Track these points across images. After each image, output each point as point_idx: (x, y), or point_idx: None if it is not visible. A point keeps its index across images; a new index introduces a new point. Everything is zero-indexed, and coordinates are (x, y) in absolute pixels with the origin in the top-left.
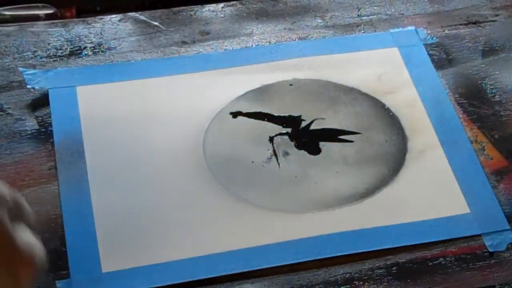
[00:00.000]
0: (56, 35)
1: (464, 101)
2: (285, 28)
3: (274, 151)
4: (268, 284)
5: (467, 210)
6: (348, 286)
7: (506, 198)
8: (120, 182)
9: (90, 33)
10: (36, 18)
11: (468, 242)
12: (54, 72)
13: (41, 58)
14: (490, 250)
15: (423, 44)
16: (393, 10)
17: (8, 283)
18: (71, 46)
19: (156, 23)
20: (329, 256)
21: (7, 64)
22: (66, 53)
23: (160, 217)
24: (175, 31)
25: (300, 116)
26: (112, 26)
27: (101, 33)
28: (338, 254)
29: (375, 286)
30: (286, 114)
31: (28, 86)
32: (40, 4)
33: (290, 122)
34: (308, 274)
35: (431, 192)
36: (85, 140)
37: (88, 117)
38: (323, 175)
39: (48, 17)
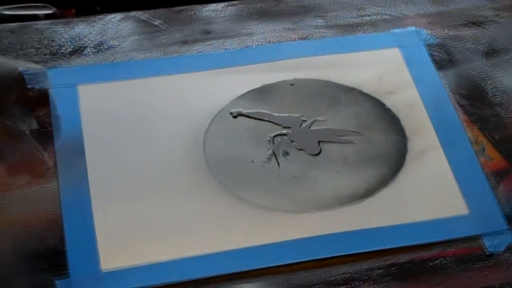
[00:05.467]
0: (59, 33)
1: (465, 102)
2: (286, 28)
3: (274, 151)
4: (266, 283)
5: (467, 211)
6: (347, 286)
7: (505, 199)
8: (120, 181)
9: (92, 32)
10: (35, 18)
11: (467, 242)
12: (55, 71)
13: (44, 55)
14: (489, 251)
15: (424, 45)
16: (394, 11)
17: None
18: (73, 45)
19: (157, 23)
20: (328, 256)
21: None
22: (69, 51)
23: (160, 216)
24: (176, 30)
25: (300, 116)
26: (114, 25)
27: (102, 32)
28: (337, 254)
29: (374, 286)
30: (287, 114)
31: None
32: (40, 4)
33: (290, 122)
34: (307, 274)
35: (430, 193)
36: (86, 138)
37: (89, 116)
38: (323, 175)
39: (47, 17)
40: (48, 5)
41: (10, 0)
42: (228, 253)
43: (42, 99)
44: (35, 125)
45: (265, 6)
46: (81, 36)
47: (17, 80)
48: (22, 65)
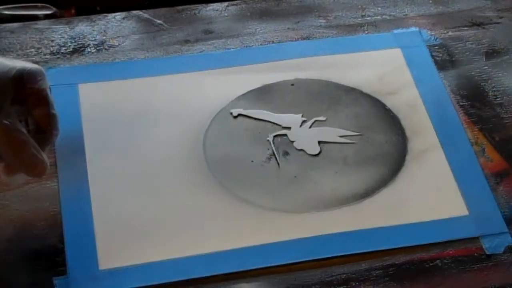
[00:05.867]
0: (60, 32)
1: (466, 103)
2: (287, 28)
3: (274, 151)
4: (264, 283)
5: (466, 212)
6: (346, 286)
7: (505, 201)
8: (120, 180)
9: (93, 31)
10: (35, 18)
11: (466, 244)
12: (55, 71)
13: (44, 55)
14: (488, 253)
15: (426, 45)
16: (397, 11)
17: None
18: (74, 44)
19: (159, 22)
20: (327, 256)
21: None
22: (69, 50)
23: (159, 216)
24: (178, 29)
25: (300, 116)
26: (116, 24)
27: (104, 31)
28: (336, 255)
29: (373, 286)
30: (287, 114)
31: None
32: (39, 4)
33: (290, 122)
34: (304, 274)
35: (430, 194)
36: (86, 137)
37: (89, 114)
38: (322, 175)
39: (47, 17)
40: (48, 5)
41: (10, 0)
42: (227, 253)
43: (40, 98)
44: (33, 125)
45: (266, 6)
46: (81, 36)
47: (15, 79)
48: (20, 64)
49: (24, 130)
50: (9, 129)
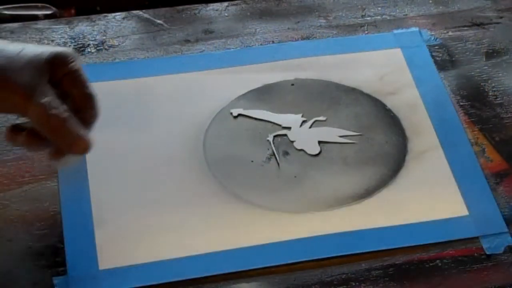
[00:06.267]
0: (60, 32)
1: (466, 103)
2: (287, 28)
3: (274, 151)
4: (264, 283)
5: (466, 212)
6: (345, 286)
7: (505, 201)
8: (120, 180)
9: (93, 31)
10: (35, 18)
11: (466, 244)
12: None
13: None
14: (488, 253)
15: (426, 45)
16: (397, 11)
17: None
18: (75, 44)
19: (159, 22)
20: (327, 256)
21: None
22: None
23: (159, 216)
24: (179, 29)
25: (300, 116)
26: (116, 24)
27: (104, 31)
28: (336, 255)
29: (372, 287)
30: (287, 114)
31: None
32: (39, 4)
33: (291, 122)
34: (304, 274)
35: (430, 194)
36: None
37: None
38: (322, 175)
39: (47, 17)
40: (48, 5)
41: (10, 0)
42: (226, 253)
43: (74, 79)
44: (70, 105)
45: (267, 6)
46: (81, 36)
47: (48, 61)
48: (52, 48)
49: (63, 107)
50: (46, 108)
